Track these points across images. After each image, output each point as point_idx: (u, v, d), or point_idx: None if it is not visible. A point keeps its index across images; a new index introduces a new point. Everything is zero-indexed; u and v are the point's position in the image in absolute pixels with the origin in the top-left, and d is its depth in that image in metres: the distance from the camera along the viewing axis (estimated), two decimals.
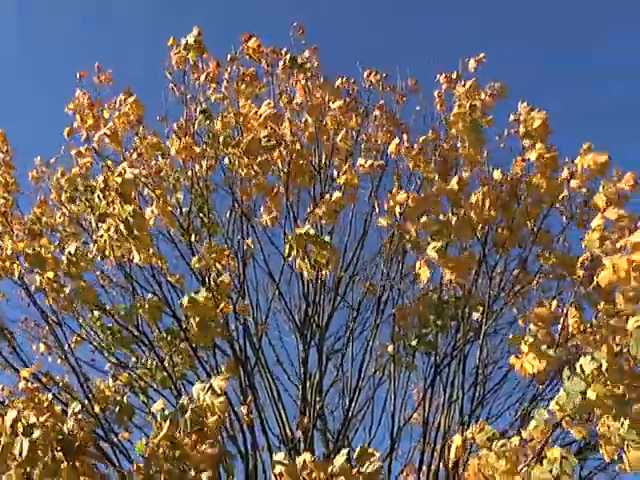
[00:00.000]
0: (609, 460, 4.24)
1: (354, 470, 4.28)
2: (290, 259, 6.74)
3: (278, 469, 4.37)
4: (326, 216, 6.57)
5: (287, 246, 6.57)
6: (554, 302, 6.24)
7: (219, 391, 4.07)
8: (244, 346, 8.15)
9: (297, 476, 4.22)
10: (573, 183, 6.77)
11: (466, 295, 7.67)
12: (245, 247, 8.16)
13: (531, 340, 5.12)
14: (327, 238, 6.64)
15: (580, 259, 5.86)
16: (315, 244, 6.41)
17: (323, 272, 7.14)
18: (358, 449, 4.48)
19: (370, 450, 4.47)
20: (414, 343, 7.99)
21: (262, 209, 7.93)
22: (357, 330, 9.17)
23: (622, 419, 3.86)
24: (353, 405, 8.64)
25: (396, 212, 6.98)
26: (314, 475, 4.23)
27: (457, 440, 4.60)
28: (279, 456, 4.52)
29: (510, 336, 7.20)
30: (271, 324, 9.43)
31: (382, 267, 8.66)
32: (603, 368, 3.80)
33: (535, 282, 8.32)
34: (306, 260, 6.39)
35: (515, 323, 8.75)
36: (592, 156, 6.53)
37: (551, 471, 3.94)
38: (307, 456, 4.35)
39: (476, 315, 7.83)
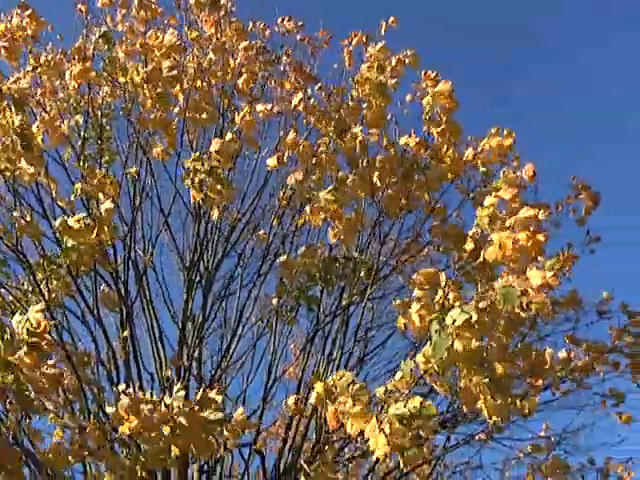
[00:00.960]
0: (467, 411, 4.35)
1: (193, 412, 4.27)
2: (186, 184, 6.64)
3: (122, 402, 4.33)
4: (221, 156, 6.44)
5: (184, 174, 6.51)
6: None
7: (35, 323, 3.98)
8: (126, 278, 8.02)
9: (138, 410, 4.20)
10: (476, 162, 6.83)
11: (355, 256, 7.70)
12: (139, 179, 8.02)
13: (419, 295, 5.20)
14: (222, 173, 6.56)
15: (470, 233, 5.95)
16: (210, 176, 6.32)
17: (215, 211, 7.06)
18: (198, 394, 4.48)
19: (212, 395, 4.47)
20: (297, 296, 8.00)
21: (158, 142, 7.74)
22: (246, 279, 9.15)
23: (483, 372, 3.97)
24: (231, 352, 8.63)
25: (284, 159, 6.89)
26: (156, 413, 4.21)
27: (318, 387, 4.62)
28: (121, 387, 4.51)
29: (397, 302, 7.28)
30: (161, 263, 9.31)
31: (274, 217, 8.59)
32: (473, 320, 3.88)
33: (425, 253, 8.45)
34: (197, 185, 6.30)
35: (403, 289, 8.90)
36: (497, 139, 6.61)
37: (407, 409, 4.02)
38: (148, 394, 4.32)
39: (363, 277, 7.88)
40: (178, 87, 7.01)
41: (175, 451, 5.09)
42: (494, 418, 5.09)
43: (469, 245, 5.84)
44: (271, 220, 8.54)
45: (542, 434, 9.72)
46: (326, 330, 8.48)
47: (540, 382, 7.26)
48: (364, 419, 4.07)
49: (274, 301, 8.36)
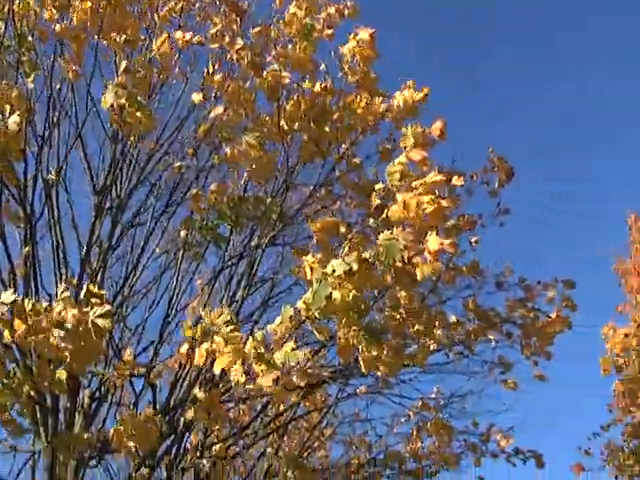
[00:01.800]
0: (343, 362, 4.43)
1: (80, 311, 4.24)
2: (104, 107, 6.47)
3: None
4: (135, 82, 6.28)
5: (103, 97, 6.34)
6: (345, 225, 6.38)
7: None
8: (33, 195, 7.83)
9: (22, 314, 4.17)
10: (387, 115, 6.82)
11: (266, 198, 7.68)
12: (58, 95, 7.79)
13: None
14: (142, 101, 6.41)
15: (376, 188, 5.97)
16: (129, 101, 6.19)
17: (132, 138, 6.93)
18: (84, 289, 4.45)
19: (99, 292, 4.43)
20: (204, 232, 7.94)
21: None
22: (158, 212, 9.00)
23: (360, 323, 4.03)
24: (132, 280, 8.54)
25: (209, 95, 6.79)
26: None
27: (186, 329, 4.64)
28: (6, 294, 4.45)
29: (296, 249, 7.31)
30: (72, 184, 9.07)
31: (189, 148, 8.45)
32: (353, 270, 3.92)
33: (337, 205, 8.47)
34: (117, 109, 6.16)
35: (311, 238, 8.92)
36: (410, 93, 6.60)
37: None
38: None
39: (273, 221, 7.87)
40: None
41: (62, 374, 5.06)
42: (381, 371, 5.21)
43: (374, 200, 5.88)
44: (186, 151, 8.40)
45: (432, 396, 10.00)
46: (233, 270, 8.47)
47: (432, 343, 7.45)
48: (232, 358, 4.09)
49: (182, 233, 8.29)
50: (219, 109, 6.75)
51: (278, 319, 4.36)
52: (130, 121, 6.39)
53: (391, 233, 4.09)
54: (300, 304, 4.14)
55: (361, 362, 4.50)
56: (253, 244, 8.20)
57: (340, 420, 11.35)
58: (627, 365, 17.09)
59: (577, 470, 17.53)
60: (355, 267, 3.89)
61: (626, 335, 16.95)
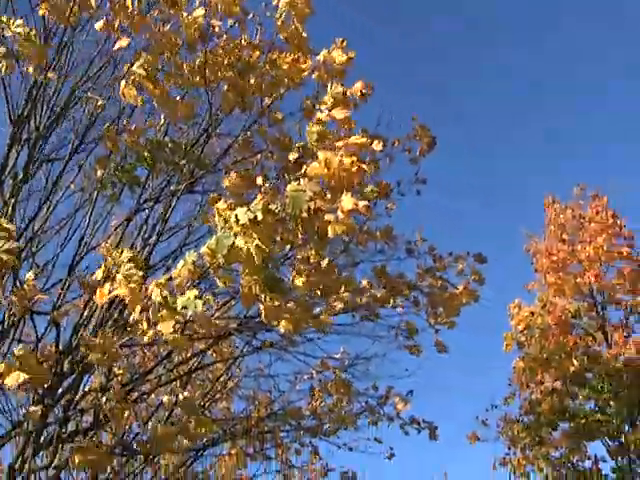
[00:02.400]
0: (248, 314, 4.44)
1: None
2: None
3: None
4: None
5: None
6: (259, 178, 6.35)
7: None
8: None
9: None
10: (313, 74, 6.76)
11: (185, 144, 7.57)
12: None
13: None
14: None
15: (296, 145, 5.96)
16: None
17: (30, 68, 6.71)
18: None
19: (7, 226, 4.33)
20: (120, 174, 7.79)
21: None
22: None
23: (262, 273, 4.04)
24: (44, 215, 8.34)
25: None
26: None
27: (98, 274, 4.58)
28: None
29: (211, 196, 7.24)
30: None
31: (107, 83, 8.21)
32: (258, 219, 3.92)
33: (257, 157, 8.41)
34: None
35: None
36: (337, 53, 6.56)
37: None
38: None
39: (191, 168, 7.78)
40: None
41: None
42: (284, 326, 5.25)
43: (293, 156, 5.87)
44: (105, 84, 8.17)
45: (337, 356, 10.13)
46: (148, 214, 8.36)
47: (338, 303, 7.54)
48: (132, 298, 4.07)
49: (98, 173, 8.11)
50: (124, 41, 6.48)
51: (181, 263, 4.34)
52: (25, 52, 6.20)
53: (298, 184, 4.09)
54: (204, 249, 4.13)
55: (262, 312, 4.52)
56: (170, 189, 8.10)
57: (244, 374, 11.44)
58: (529, 344, 17.68)
59: (472, 439, 18.17)
60: (260, 216, 3.88)
61: (531, 313, 17.51)
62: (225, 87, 6.79)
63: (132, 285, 4.07)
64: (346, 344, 10.07)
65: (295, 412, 10.90)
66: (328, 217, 4.34)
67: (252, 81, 6.73)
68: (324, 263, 6.24)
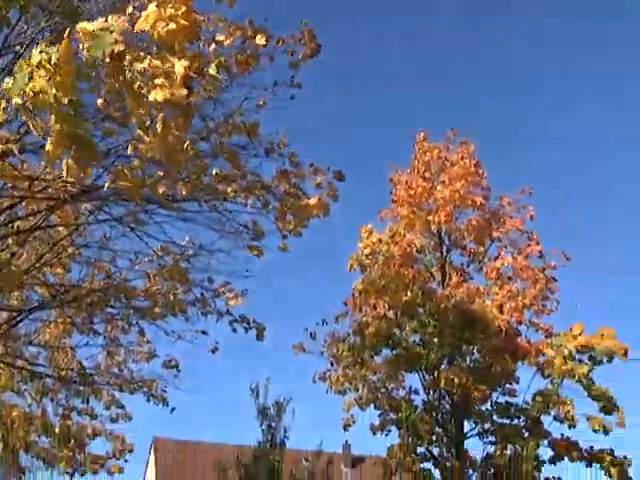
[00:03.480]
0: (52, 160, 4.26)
1: None
2: None
3: None
4: None
5: None
6: None
7: None
8: None
9: None
10: None
11: None
12: None
13: None
14: None
15: None
16: None
17: None
18: None
19: None
20: None
21: None
22: None
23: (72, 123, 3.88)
24: None
25: None
26: None
27: None
28: None
29: None
30: None
31: None
32: (53, 61, 3.74)
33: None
34: None
35: None
36: None
37: None
38: None
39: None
40: None
41: None
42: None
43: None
44: None
45: (182, 243, 10.07)
46: None
47: (184, 188, 7.49)
48: None
49: None
50: None
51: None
52: None
53: (106, 21, 3.88)
54: (4, 86, 3.95)
55: (64, 167, 4.32)
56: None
57: (86, 243, 11.15)
58: (371, 269, 18.17)
59: (298, 349, 18.66)
60: (54, 57, 3.69)
61: (379, 241, 17.95)
62: None
63: None
64: (192, 233, 10.00)
65: (129, 291, 10.84)
66: (158, 81, 4.13)
67: None
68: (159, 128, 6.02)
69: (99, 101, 5.21)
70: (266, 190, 8.47)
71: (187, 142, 6.47)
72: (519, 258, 18.43)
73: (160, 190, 6.68)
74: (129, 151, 6.54)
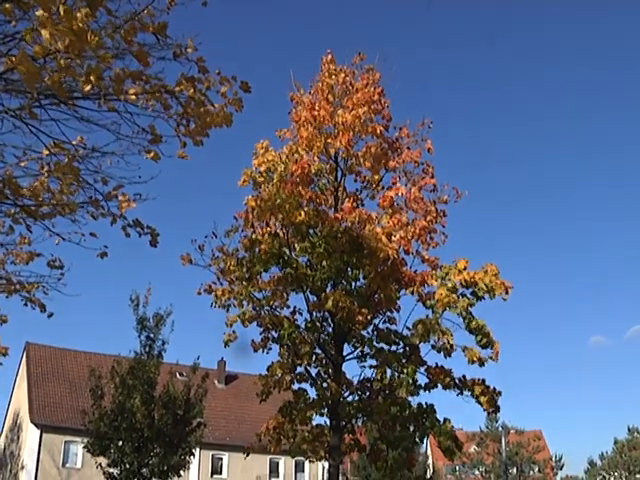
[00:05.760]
0: None
1: None
2: None
3: None
4: None
5: None
6: None
7: None
8: None
9: None
10: None
11: None
12: None
13: None
14: None
15: None
16: None
17: None
18: None
19: None
20: None
21: None
22: None
23: None
24: None
25: None
26: None
27: None
28: None
29: None
30: None
31: None
32: None
33: None
34: None
35: None
36: None
37: None
38: None
39: None
40: None
41: None
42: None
43: None
44: None
45: (74, 142, 9.61)
46: None
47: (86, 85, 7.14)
48: None
49: None
50: None
51: None
52: None
53: None
54: None
55: None
56: None
57: None
58: (266, 186, 18.10)
59: (185, 260, 18.43)
60: None
61: (279, 158, 17.85)
62: None
63: None
64: (87, 135, 9.55)
65: (15, 187, 10.30)
66: None
67: None
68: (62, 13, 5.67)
69: None
70: (170, 95, 8.18)
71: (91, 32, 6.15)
72: (413, 189, 18.71)
73: (59, 81, 6.29)
74: (28, 39, 6.18)
